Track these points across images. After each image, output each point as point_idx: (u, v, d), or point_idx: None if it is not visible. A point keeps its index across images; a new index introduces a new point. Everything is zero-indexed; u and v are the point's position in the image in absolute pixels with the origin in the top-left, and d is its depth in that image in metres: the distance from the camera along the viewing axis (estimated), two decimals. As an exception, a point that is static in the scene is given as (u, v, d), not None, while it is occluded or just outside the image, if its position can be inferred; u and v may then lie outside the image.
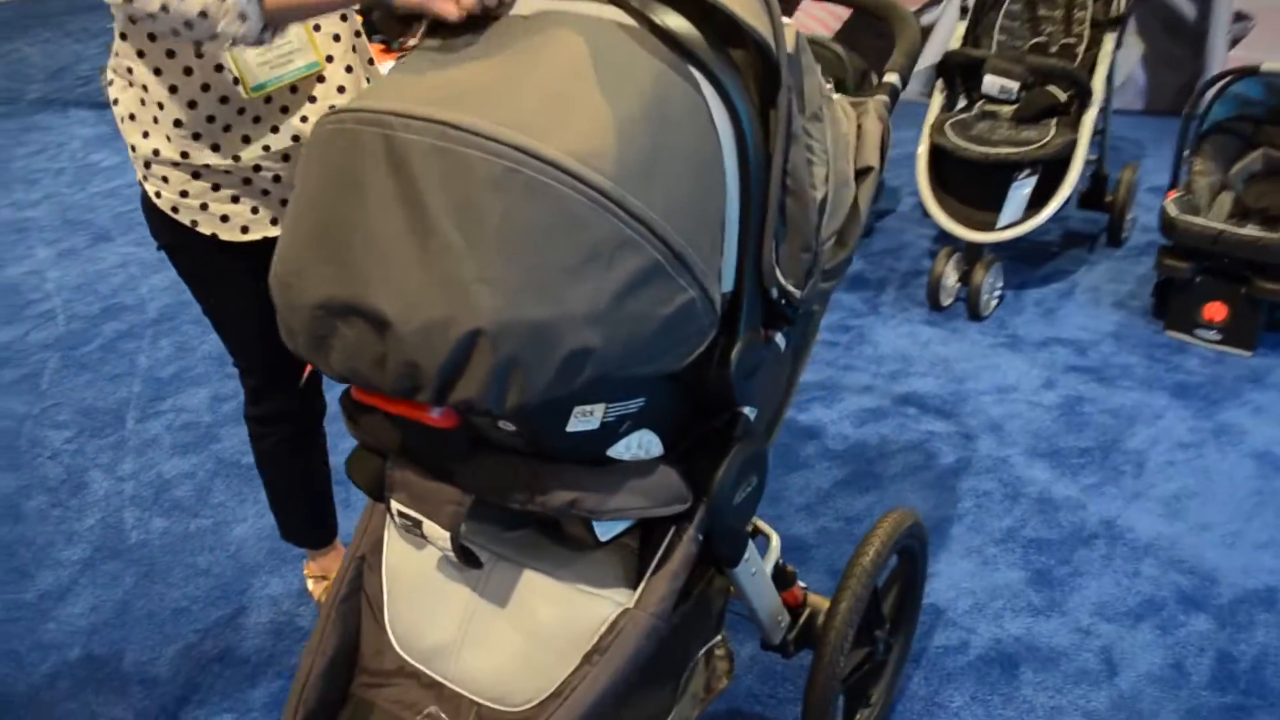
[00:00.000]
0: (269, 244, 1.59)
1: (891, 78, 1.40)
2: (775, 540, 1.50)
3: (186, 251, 1.66)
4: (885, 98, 1.38)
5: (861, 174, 1.32)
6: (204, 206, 1.58)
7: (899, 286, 3.02)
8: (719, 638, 1.52)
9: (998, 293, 2.87)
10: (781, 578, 1.52)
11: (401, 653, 1.31)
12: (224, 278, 1.67)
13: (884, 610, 1.63)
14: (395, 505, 1.22)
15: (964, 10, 2.98)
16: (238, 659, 1.99)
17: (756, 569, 1.39)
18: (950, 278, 2.83)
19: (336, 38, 1.61)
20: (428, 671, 1.28)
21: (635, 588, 1.21)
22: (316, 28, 1.57)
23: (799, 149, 1.16)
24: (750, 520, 1.29)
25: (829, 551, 2.07)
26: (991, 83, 2.69)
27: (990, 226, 2.73)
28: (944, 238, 3.10)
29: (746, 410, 1.22)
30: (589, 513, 1.10)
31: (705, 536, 1.22)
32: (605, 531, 1.19)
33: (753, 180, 1.08)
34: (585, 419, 1.07)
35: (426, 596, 1.32)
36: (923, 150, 2.83)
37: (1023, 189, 2.67)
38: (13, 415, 2.87)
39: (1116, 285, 2.93)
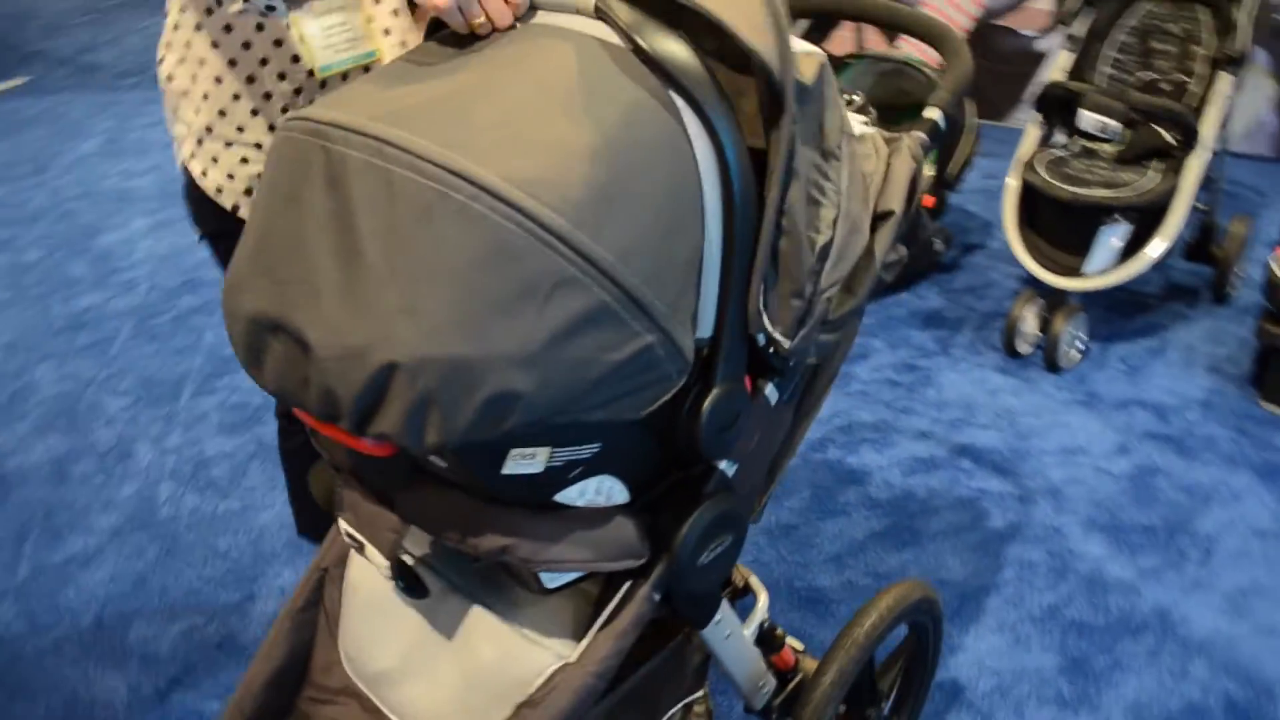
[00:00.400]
0: None
1: (933, 113, 1.27)
2: (763, 600, 1.40)
3: (229, 238, 1.65)
4: (923, 135, 1.25)
5: (881, 217, 1.21)
6: (248, 191, 1.56)
7: (976, 328, 2.86)
8: (700, 693, 1.43)
9: (1080, 345, 2.68)
10: (768, 640, 1.42)
11: (349, 672, 1.26)
12: None
13: (881, 686, 1.51)
14: (343, 524, 1.17)
15: (1072, 40, 2.80)
16: (237, 647, 1.98)
17: (731, 632, 1.29)
18: (1029, 324, 2.66)
19: (387, 31, 1.57)
20: (371, 696, 1.23)
21: (582, 640, 1.13)
22: (370, 19, 1.54)
23: (799, 186, 1.06)
24: (717, 583, 1.19)
25: (850, 608, 1.94)
26: (1089, 119, 2.51)
27: (1076, 272, 2.54)
28: (1031, 280, 2.92)
29: (723, 465, 1.13)
30: (522, 561, 1.03)
31: (666, 596, 1.13)
32: (551, 580, 1.11)
33: (738, 219, 0.98)
34: (525, 461, 0.99)
35: (378, 619, 1.26)
36: (1012, 185, 2.66)
37: (1112, 236, 2.48)
38: (79, 379, 2.95)
39: (1214, 347, 2.70)
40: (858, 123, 1.30)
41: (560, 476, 1.03)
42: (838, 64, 3.09)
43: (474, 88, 0.96)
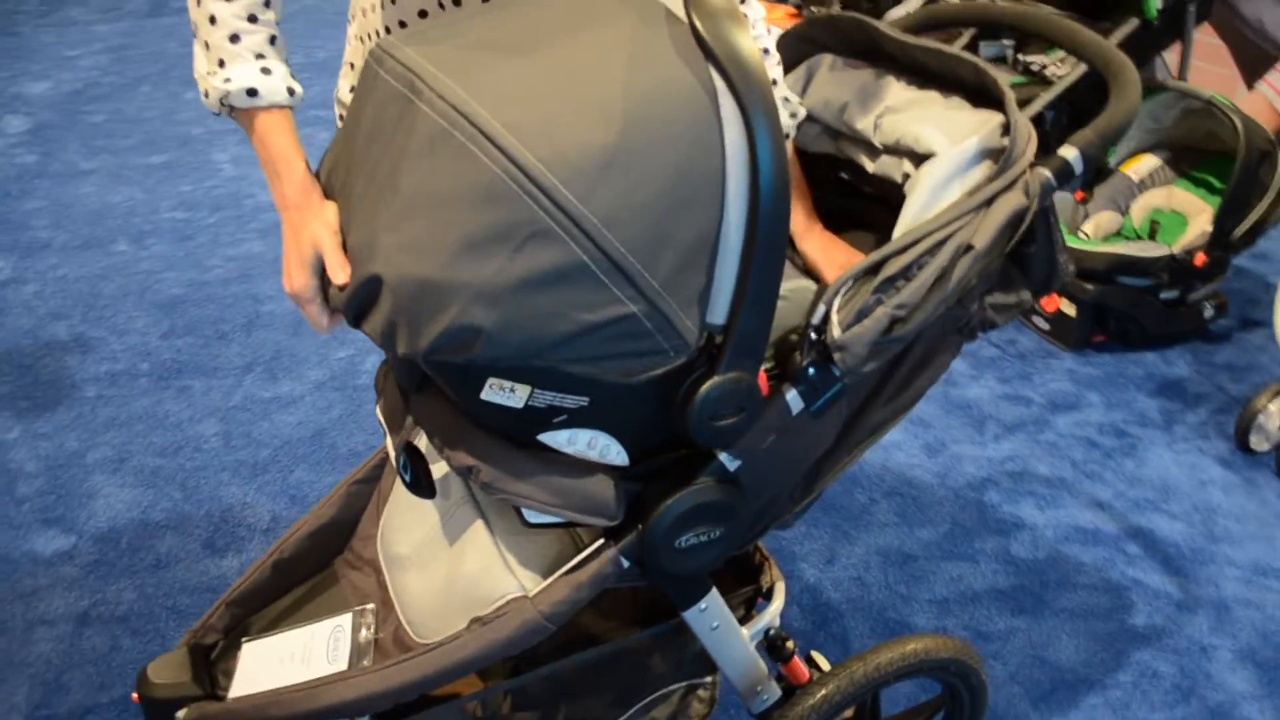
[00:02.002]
0: None
1: (1068, 152, 1.15)
2: (775, 604, 1.36)
3: None
4: (1048, 173, 1.14)
5: (960, 250, 1.12)
6: None
7: (1215, 410, 2.54)
8: (707, 679, 1.43)
9: (1330, 459, 2.32)
10: (776, 649, 1.38)
11: (379, 547, 1.38)
12: None
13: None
14: (378, 410, 1.28)
15: None
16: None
17: (720, 624, 1.28)
18: (1273, 420, 2.33)
19: None
20: (385, 574, 1.34)
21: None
22: None
23: None
24: (697, 570, 1.18)
25: (934, 654, 1.84)
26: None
27: (1343, 378, 2.19)
28: (1304, 375, 2.55)
29: (724, 457, 1.11)
30: (484, 486, 1.07)
31: (639, 566, 1.14)
32: (531, 516, 1.15)
33: (764, 213, 0.96)
34: (504, 393, 1.04)
35: (409, 510, 1.37)
36: (1296, 264, 2.32)
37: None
38: (346, 248, 3.31)
39: None
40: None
41: (543, 418, 1.06)
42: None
43: (528, 38, 1.00)
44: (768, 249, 0.98)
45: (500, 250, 0.90)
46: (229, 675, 1.29)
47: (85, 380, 2.62)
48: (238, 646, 1.32)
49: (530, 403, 1.04)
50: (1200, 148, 2.88)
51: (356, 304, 0.98)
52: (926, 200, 1.12)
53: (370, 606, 1.33)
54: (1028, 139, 1.12)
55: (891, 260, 1.07)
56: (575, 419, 1.07)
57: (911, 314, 1.08)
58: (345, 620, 1.31)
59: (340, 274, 1.00)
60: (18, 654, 1.85)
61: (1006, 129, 1.14)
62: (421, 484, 1.21)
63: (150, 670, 1.24)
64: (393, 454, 1.21)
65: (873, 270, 1.07)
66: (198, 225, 3.44)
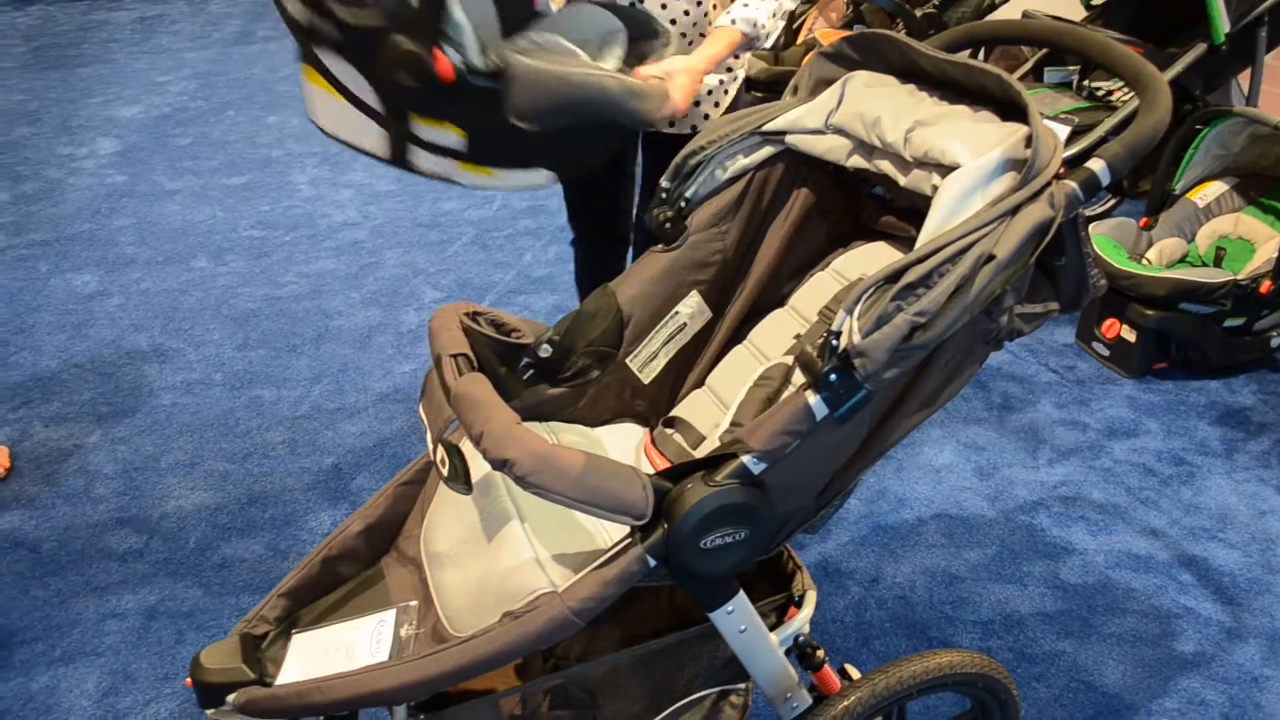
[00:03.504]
0: None
1: (1095, 164, 1.17)
2: (805, 611, 1.38)
3: None
4: (1074, 185, 1.16)
5: (981, 260, 1.14)
6: None
7: (1279, 440, 2.48)
8: (742, 686, 1.46)
9: (1401, 492, 2.25)
10: (806, 657, 1.40)
11: (421, 546, 1.44)
12: None
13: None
14: (420, 409, 1.33)
15: None
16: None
17: (748, 628, 1.30)
18: (1339, 451, 2.27)
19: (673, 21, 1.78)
20: (426, 570, 1.40)
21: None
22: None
23: None
24: (723, 571, 1.20)
25: (975, 675, 1.83)
26: None
27: None
28: (1375, 406, 2.48)
29: (748, 460, 1.15)
30: (518, 480, 1.12)
31: (665, 565, 1.18)
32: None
33: None
34: None
35: (451, 510, 1.42)
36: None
37: None
38: (413, 267, 3.41)
39: None
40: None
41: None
42: (1206, 119, 2.77)
43: None
44: None
45: None
46: (277, 664, 1.35)
47: (162, 389, 2.74)
48: (287, 637, 1.38)
49: None
50: (1269, 174, 2.83)
51: None
52: (949, 210, 1.15)
53: (413, 603, 1.38)
54: (1052, 150, 1.14)
55: (912, 268, 1.09)
56: None
57: (932, 321, 1.10)
58: (389, 616, 1.36)
59: None
60: (90, 644, 1.94)
61: (1030, 141, 1.16)
62: (460, 478, 1.26)
63: (203, 656, 1.31)
64: (431, 448, 1.27)
65: (893, 278, 1.10)
66: (274, 243, 3.58)
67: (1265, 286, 2.56)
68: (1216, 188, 2.89)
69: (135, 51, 5.96)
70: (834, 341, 1.11)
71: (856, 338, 1.09)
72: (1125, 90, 3.48)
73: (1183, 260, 2.88)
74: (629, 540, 1.18)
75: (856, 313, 1.10)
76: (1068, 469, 2.38)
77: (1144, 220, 2.88)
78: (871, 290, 1.11)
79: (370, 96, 1.52)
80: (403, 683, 1.19)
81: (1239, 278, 2.60)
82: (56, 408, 2.66)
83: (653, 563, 1.17)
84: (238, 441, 2.52)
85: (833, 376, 1.12)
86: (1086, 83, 3.63)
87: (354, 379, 2.78)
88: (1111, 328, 2.76)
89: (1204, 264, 2.86)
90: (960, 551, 2.13)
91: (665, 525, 1.15)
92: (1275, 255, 2.58)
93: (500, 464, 1.13)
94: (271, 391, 2.72)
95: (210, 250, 3.53)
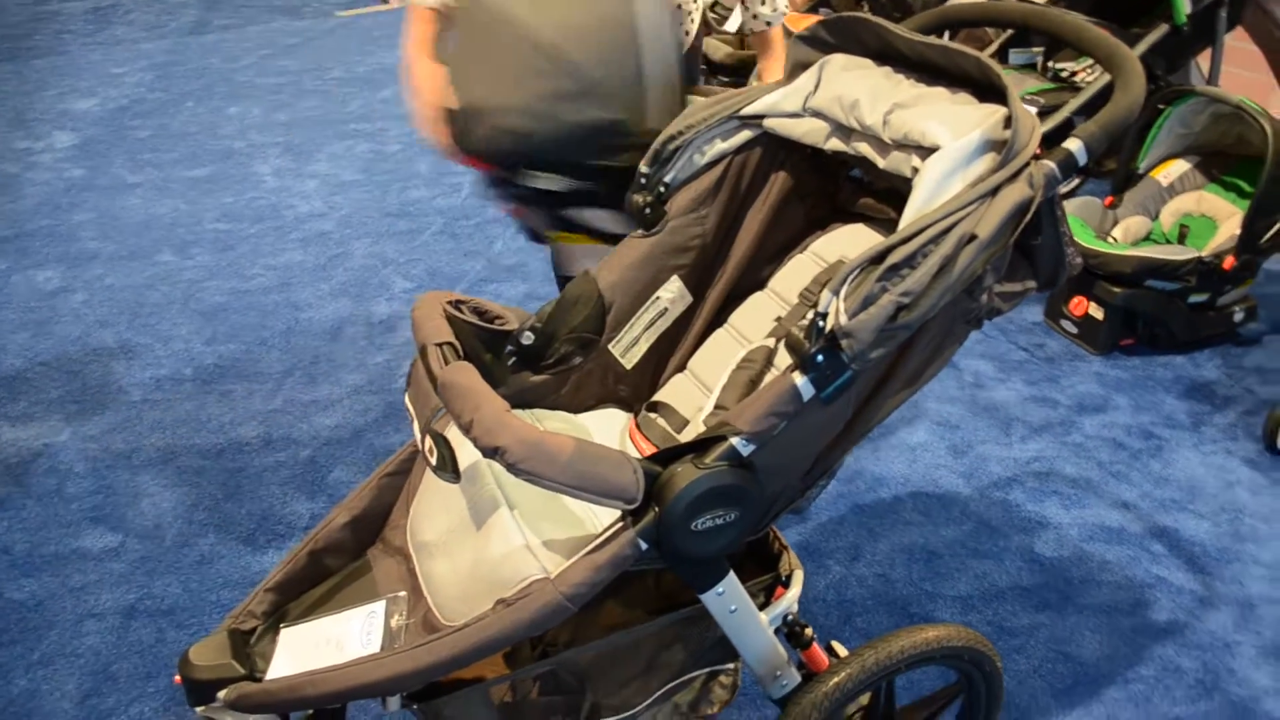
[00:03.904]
0: None
1: (1072, 144, 1.19)
2: (793, 590, 1.39)
3: None
4: (1053, 165, 1.18)
5: (964, 240, 1.16)
6: None
7: (1244, 413, 2.53)
8: (730, 666, 1.47)
9: (1361, 460, 2.31)
10: (795, 635, 1.42)
11: (407, 537, 1.43)
12: None
13: (904, 720, 1.46)
14: (406, 399, 1.33)
15: None
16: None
17: (739, 608, 1.31)
18: (1302, 422, 2.33)
19: None
20: (414, 561, 1.39)
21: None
22: None
23: None
24: (713, 552, 1.21)
25: (956, 650, 1.86)
26: None
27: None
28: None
29: (737, 442, 1.16)
30: (509, 467, 1.12)
31: (656, 548, 1.18)
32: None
33: None
34: None
35: (437, 499, 1.42)
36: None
37: None
38: (382, 258, 3.39)
39: None
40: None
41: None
42: (1169, 98, 2.81)
43: None
44: None
45: None
46: (266, 659, 1.34)
47: (131, 385, 2.71)
48: (275, 631, 1.37)
49: None
50: (1230, 152, 2.88)
51: None
52: (931, 192, 1.16)
53: (402, 594, 1.38)
54: (1031, 131, 1.15)
55: (896, 249, 1.10)
56: None
57: (916, 301, 1.11)
58: (379, 607, 1.36)
59: None
60: (68, 645, 1.92)
61: (1009, 122, 1.17)
62: (448, 467, 1.26)
63: (192, 653, 1.30)
64: (419, 437, 1.26)
65: (878, 259, 1.11)
66: (239, 235, 3.54)
67: (1228, 262, 2.61)
68: (1179, 166, 2.94)
69: (89, 43, 5.85)
70: (820, 323, 1.12)
71: (843, 319, 1.10)
72: (1090, 71, 3.52)
73: (1147, 238, 2.93)
74: (620, 524, 1.18)
75: (843, 294, 1.11)
76: (1040, 445, 2.42)
77: (1109, 199, 2.92)
78: (857, 271, 1.12)
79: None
80: (397, 673, 1.19)
81: (1203, 254, 2.65)
82: (23, 407, 2.62)
83: (644, 546, 1.18)
84: (211, 437, 2.50)
85: (820, 357, 1.13)
86: (1051, 64, 3.67)
87: (326, 371, 2.76)
88: (1079, 305, 2.81)
89: (1168, 241, 2.91)
90: (937, 528, 2.15)
91: (656, 509, 1.16)
92: (1237, 232, 2.63)
93: (491, 451, 1.13)
94: (243, 385, 2.70)
95: (175, 244, 3.48)
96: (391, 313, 3.04)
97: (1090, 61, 3.18)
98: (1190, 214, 2.91)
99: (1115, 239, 2.87)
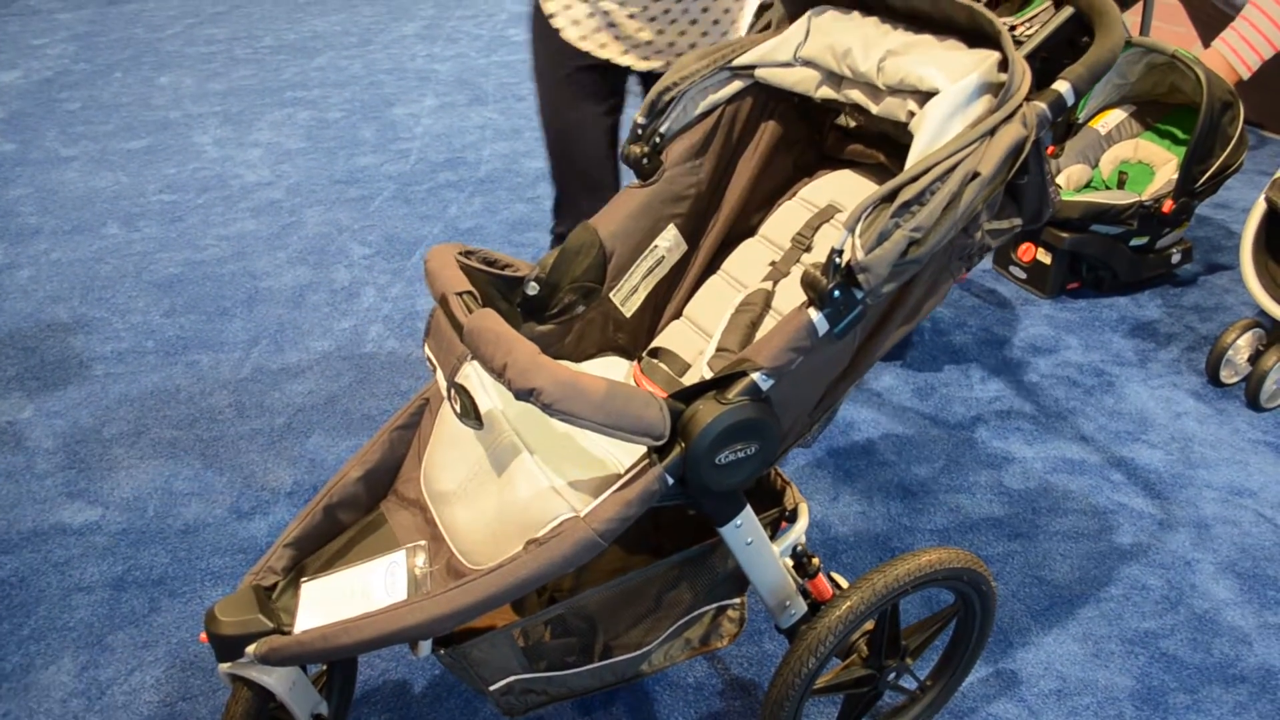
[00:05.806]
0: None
1: (1061, 86, 1.25)
2: (801, 523, 1.46)
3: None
4: (1044, 105, 1.24)
5: (968, 177, 1.22)
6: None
7: (1186, 348, 2.67)
8: (737, 600, 1.52)
9: (1296, 387, 2.46)
10: (802, 566, 1.48)
11: (422, 487, 1.46)
12: None
13: (908, 642, 1.54)
14: (426, 348, 1.35)
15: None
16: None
17: (754, 540, 1.37)
18: (1241, 353, 2.46)
19: None
20: (432, 510, 1.42)
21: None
22: None
23: None
24: (735, 485, 1.26)
25: (937, 579, 1.95)
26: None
27: (1306, 309, 2.32)
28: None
29: (757, 376, 1.20)
30: (544, 407, 1.15)
31: (682, 483, 1.23)
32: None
33: None
34: None
35: (453, 448, 1.45)
36: (1259, 204, 2.45)
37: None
38: (338, 225, 3.36)
39: None
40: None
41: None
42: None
43: None
44: None
45: None
46: (290, 613, 1.36)
47: (92, 359, 2.66)
48: (296, 586, 1.39)
49: None
50: (1164, 101, 3.00)
51: None
52: (934, 133, 1.22)
53: (421, 542, 1.41)
54: (1023, 74, 1.22)
55: (907, 187, 1.16)
56: None
57: (926, 236, 1.17)
58: (399, 556, 1.38)
59: None
60: (58, 619, 1.90)
61: (1003, 65, 1.23)
62: (470, 414, 1.29)
63: (218, 609, 1.31)
64: (443, 385, 1.29)
65: (890, 197, 1.16)
66: (187, 206, 3.47)
67: (1167, 206, 2.73)
68: (1116, 115, 3.05)
69: (3, 14, 5.62)
70: (837, 259, 1.17)
71: (860, 254, 1.15)
72: (1028, 25, 3.62)
73: (1088, 185, 3.05)
74: (647, 461, 1.22)
75: (858, 231, 1.16)
76: (999, 385, 2.52)
77: (1050, 149, 3.03)
78: (871, 209, 1.17)
79: None
80: (433, 615, 1.22)
81: (1143, 199, 2.77)
82: (-20, 385, 2.56)
83: (670, 481, 1.22)
84: (181, 408, 2.47)
85: (836, 293, 1.18)
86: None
87: (293, 338, 2.74)
88: (1027, 252, 2.91)
89: (1108, 188, 3.03)
90: (910, 466, 2.24)
91: (681, 444, 1.20)
92: (1174, 177, 2.75)
93: (527, 393, 1.16)
94: (209, 356, 2.67)
95: (120, 216, 3.40)
96: (353, 279, 3.02)
97: (1029, 15, 3.28)
98: (1128, 161, 3.03)
99: (1060, 186, 2.98)
